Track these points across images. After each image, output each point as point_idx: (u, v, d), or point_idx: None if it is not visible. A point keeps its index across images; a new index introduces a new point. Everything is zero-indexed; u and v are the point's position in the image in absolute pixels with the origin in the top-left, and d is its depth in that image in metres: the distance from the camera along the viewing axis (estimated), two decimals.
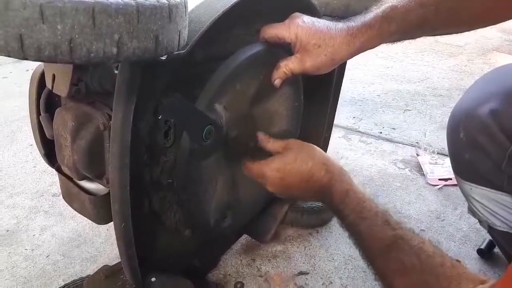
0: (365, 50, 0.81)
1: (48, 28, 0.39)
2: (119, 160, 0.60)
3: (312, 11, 0.87)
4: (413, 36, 0.81)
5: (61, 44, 0.40)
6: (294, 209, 1.18)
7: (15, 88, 2.21)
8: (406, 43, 2.60)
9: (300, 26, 0.78)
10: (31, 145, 1.59)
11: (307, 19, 0.79)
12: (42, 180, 1.41)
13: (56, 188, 1.35)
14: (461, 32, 0.80)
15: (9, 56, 0.40)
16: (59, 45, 0.40)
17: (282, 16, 0.83)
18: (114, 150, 0.60)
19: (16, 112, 1.90)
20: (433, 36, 0.85)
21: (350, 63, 1.14)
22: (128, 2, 0.42)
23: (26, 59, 0.40)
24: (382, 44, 0.81)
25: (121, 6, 0.41)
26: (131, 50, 0.44)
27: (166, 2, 0.46)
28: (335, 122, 1.24)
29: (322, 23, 0.79)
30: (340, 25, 0.79)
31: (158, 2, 0.45)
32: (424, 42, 3.14)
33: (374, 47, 0.80)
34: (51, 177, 1.41)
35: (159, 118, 0.66)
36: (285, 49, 0.82)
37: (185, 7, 0.53)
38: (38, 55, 0.40)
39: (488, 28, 2.88)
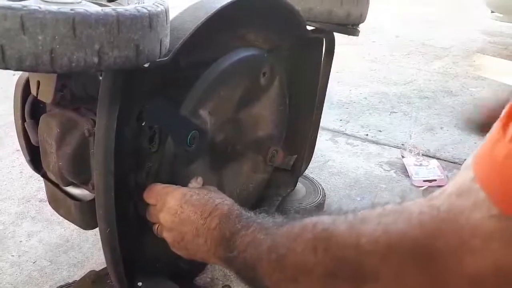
0: None
1: (29, 39, 0.40)
2: (104, 166, 0.61)
3: (294, 17, 0.89)
4: None
5: (42, 54, 0.40)
6: (284, 210, 1.19)
7: (1, 93, 2.18)
8: (392, 45, 2.65)
9: None
10: (18, 150, 1.58)
11: None
12: (29, 185, 1.40)
13: (43, 193, 1.33)
14: None
15: None
16: (40, 56, 0.40)
17: (266, 21, 0.85)
18: (98, 156, 0.60)
19: (2, 117, 1.88)
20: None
21: (337, 66, 1.16)
22: (108, 12, 0.43)
23: (8, 69, 0.41)
24: None
25: (101, 17, 0.42)
26: (112, 59, 0.45)
27: (146, 11, 0.47)
28: (322, 124, 1.25)
29: None
30: None
31: (138, 12, 0.46)
32: (410, 44, 3.19)
33: None
34: (38, 182, 1.40)
35: (143, 124, 0.67)
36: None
37: (166, 15, 0.54)
38: (20, 65, 0.40)
39: (473, 30, 2.92)
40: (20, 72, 0.80)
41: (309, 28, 0.98)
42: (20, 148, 0.87)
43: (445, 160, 1.59)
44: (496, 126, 0.36)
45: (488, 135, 0.38)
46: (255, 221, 0.58)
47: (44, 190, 1.29)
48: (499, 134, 0.34)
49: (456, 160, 1.58)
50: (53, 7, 0.40)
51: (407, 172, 1.50)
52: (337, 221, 0.46)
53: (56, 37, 0.40)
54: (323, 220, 0.48)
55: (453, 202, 0.37)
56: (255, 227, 0.57)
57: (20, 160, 1.53)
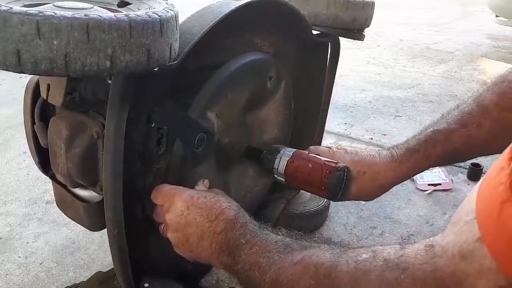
0: (414, 175, 0.82)
1: (44, 44, 0.41)
2: (113, 168, 0.61)
3: (300, 22, 0.90)
4: (462, 157, 0.80)
5: (57, 58, 0.41)
6: (286, 214, 1.19)
7: (9, 95, 2.21)
8: (397, 49, 2.65)
9: (343, 155, 0.80)
10: (25, 152, 1.59)
11: (350, 149, 0.82)
12: (36, 187, 1.42)
13: (49, 195, 1.35)
14: None
15: (6, 70, 0.42)
16: (55, 60, 0.41)
17: (272, 26, 0.86)
18: (107, 158, 0.61)
19: (10, 119, 1.90)
20: (482, 155, 0.83)
21: (341, 70, 1.16)
22: (121, 18, 0.44)
23: (23, 72, 0.42)
24: (430, 168, 0.81)
25: (114, 22, 0.43)
26: (124, 63, 0.46)
27: (157, 17, 0.48)
28: (327, 128, 1.26)
29: (365, 152, 0.81)
30: (384, 152, 0.81)
31: (149, 17, 0.47)
32: (415, 48, 3.19)
33: (422, 171, 0.81)
34: (45, 184, 1.41)
35: (152, 126, 0.68)
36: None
37: (176, 20, 0.55)
38: (35, 69, 0.41)
39: (477, 34, 2.91)
40: (28, 76, 0.82)
41: (314, 32, 0.99)
42: (26, 150, 0.88)
43: (449, 164, 1.59)
44: (501, 174, 0.34)
45: (490, 175, 0.36)
46: (259, 239, 0.61)
47: (51, 192, 1.29)
48: (507, 193, 0.33)
49: (461, 164, 1.58)
50: (68, 13, 0.42)
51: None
52: (339, 266, 0.48)
53: (71, 41, 0.41)
54: (323, 261, 0.50)
55: (458, 265, 0.37)
56: (258, 247, 0.59)
57: (27, 162, 1.55)
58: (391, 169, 0.78)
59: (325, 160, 0.77)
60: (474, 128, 0.74)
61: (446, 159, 0.79)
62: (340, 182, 0.74)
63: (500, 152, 0.78)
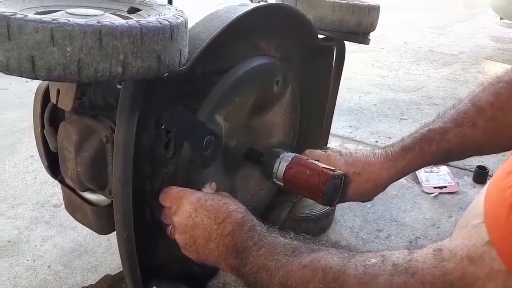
0: (409, 173, 0.82)
1: (58, 50, 0.42)
2: (122, 172, 0.62)
3: (306, 26, 0.90)
4: (458, 156, 0.81)
5: (70, 64, 0.42)
6: (292, 217, 1.20)
7: (15, 99, 2.22)
8: (401, 52, 2.65)
9: (338, 158, 0.81)
10: (32, 156, 1.60)
11: (344, 151, 0.83)
12: (43, 191, 1.42)
13: (57, 199, 1.36)
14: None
15: (21, 76, 0.43)
16: (68, 66, 0.42)
17: (278, 30, 0.86)
18: (117, 162, 0.62)
19: (16, 123, 1.91)
20: (479, 155, 0.85)
21: (346, 73, 1.16)
22: (132, 25, 0.45)
23: (37, 78, 0.43)
24: (426, 166, 0.82)
25: (126, 29, 0.44)
26: (135, 69, 0.47)
27: (168, 23, 0.49)
28: (332, 131, 1.26)
29: (359, 153, 0.82)
30: (379, 151, 0.81)
31: (160, 23, 0.48)
32: (419, 51, 3.19)
33: (417, 169, 0.81)
34: (52, 188, 1.42)
35: (162, 128, 0.69)
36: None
37: (186, 26, 0.55)
38: (49, 75, 0.42)
39: (481, 36, 2.90)
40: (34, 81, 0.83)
41: (320, 36, 0.99)
42: (33, 154, 0.88)
43: (455, 167, 1.59)
44: (508, 178, 0.34)
45: (497, 178, 0.36)
46: (266, 241, 0.61)
47: (58, 195, 1.30)
48: None
49: (466, 167, 1.58)
50: (81, 20, 0.42)
51: (417, 179, 1.50)
52: (348, 270, 0.48)
53: (84, 48, 0.42)
54: (332, 265, 0.50)
55: (466, 268, 0.37)
56: (266, 249, 0.59)
57: (34, 165, 1.56)
58: (385, 167, 0.79)
59: (323, 167, 0.77)
60: (469, 127, 0.74)
61: (441, 158, 0.80)
62: (337, 190, 0.75)
63: (495, 152, 0.79)
